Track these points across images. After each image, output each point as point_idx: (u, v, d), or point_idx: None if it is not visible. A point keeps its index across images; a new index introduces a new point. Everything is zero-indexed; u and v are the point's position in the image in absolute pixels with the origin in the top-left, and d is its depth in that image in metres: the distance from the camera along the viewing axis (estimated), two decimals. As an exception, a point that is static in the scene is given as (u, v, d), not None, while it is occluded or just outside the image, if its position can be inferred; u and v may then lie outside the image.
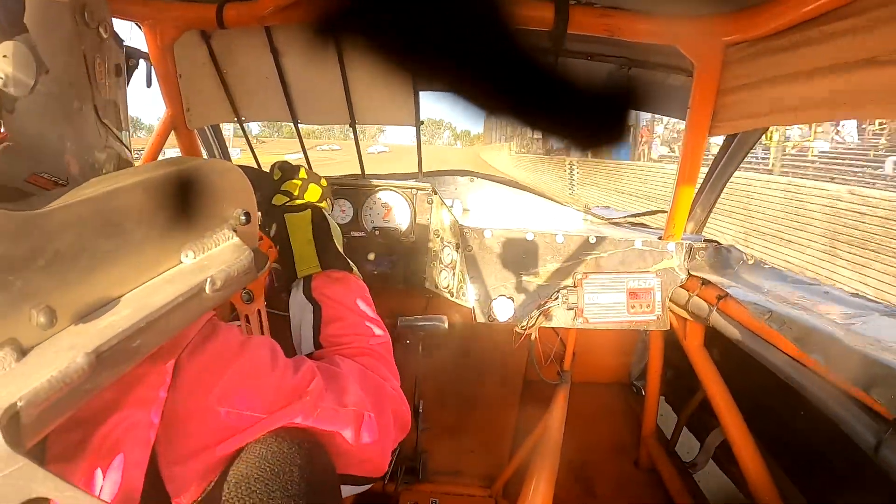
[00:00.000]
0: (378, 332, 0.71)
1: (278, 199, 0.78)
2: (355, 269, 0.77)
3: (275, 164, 0.83)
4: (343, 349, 0.66)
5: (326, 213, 0.80)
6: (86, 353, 0.31)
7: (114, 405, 0.37)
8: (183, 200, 0.41)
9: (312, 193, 0.79)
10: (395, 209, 1.43)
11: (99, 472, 0.36)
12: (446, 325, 1.29)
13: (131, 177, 0.37)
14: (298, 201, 0.78)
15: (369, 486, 0.62)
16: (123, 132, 0.46)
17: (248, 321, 1.12)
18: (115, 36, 0.44)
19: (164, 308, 0.36)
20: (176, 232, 0.40)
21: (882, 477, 0.71)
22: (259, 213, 0.80)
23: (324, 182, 0.82)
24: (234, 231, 0.46)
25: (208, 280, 0.41)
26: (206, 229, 0.43)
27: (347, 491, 0.59)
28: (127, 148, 0.46)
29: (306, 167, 0.83)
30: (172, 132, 1.60)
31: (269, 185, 0.78)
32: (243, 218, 0.47)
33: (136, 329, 0.34)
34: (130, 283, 0.36)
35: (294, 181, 0.79)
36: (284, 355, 0.53)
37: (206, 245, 0.43)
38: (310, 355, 0.67)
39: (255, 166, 1.69)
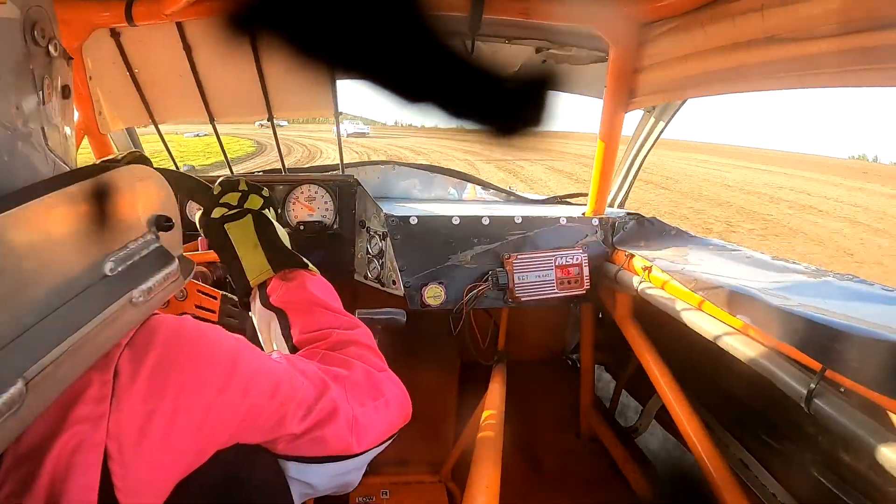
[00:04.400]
0: (355, 322, 0.68)
1: (217, 212, 0.74)
2: (311, 265, 0.73)
3: (218, 180, 0.79)
4: (322, 344, 0.63)
5: (271, 219, 0.77)
6: (15, 382, 0.29)
7: (57, 428, 0.34)
8: (101, 211, 0.38)
9: (252, 202, 0.76)
10: (319, 203, 1.41)
11: (53, 502, 0.33)
12: (405, 319, 1.27)
13: (44, 190, 0.34)
14: (236, 209, 0.75)
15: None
16: (70, 155, 0.43)
17: (197, 308, 1.09)
18: (64, 53, 0.42)
19: (93, 325, 0.35)
20: (97, 244, 0.38)
21: (815, 424, 0.74)
22: (201, 227, 0.75)
23: (266, 192, 0.79)
24: (157, 238, 0.44)
25: (135, 291, 0.39)
26: (127, 239, 0.41)
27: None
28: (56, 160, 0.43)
29: (247, 181, 0.80)
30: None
31: (209, 200, 0.76)
32: (166, 224, 0.45)
33: (64, 350, 0.33)
34: (54, 301, 0.34)
35: (233, 193, 0.76)
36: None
37: (129, 255, 0.41)
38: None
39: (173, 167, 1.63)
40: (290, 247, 0.75)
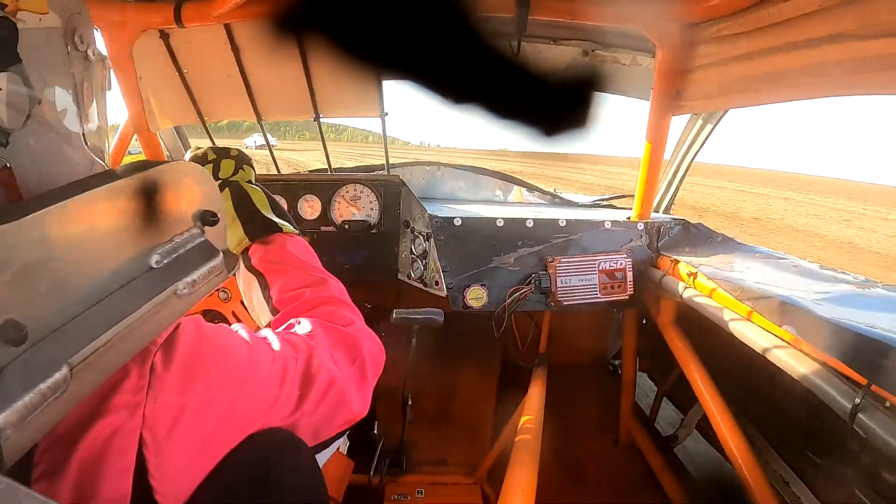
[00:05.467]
0: (327, 278, 0.72)
1: None
2: (288, 226, 0.78)
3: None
4: (297, 306, 0.66)
5: (245, 183, 0.80)
6: (60, 368, 0.30)
7: (92, 415, 0.36)
8: (148, 205, 0.40)
9: (225, 170, 0.79)
10: (364, 202, 1.42)
11: (86, 485, 0.35)
12: (442, 319, 1.28)
13: (94, 185, 0.36)
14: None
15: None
16: (105, 152, 0.46)
17: (234, 317, 1.10)
18: (101, 57, 0.44)
19: (137, 315, 0.36)
20: (143, 237, 0.40)
21: (859, 440, 0.73)
22: None
23: (234, 151, 0.82)
24: (203, 232, 0.46)
25: (179, 283, 0.41)
26: (173, 232, 0.43)
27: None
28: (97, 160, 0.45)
29: (212, 148, 0.82)
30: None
31: None
32: (211, 219, 0.47)
33: (109, 339, 0.34)
34: (101, 292, 0.36)
35: (205, 167, 0.78)
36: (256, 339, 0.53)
37: (174, 248, 0.42)
38: (269, 324, 0.68)
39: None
40: (268, 209, 0.77)
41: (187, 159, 0.81)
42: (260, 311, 0.71)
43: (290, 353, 0.53)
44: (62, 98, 0.39)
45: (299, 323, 0.61)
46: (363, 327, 0.67)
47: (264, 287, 0.70)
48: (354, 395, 0.58)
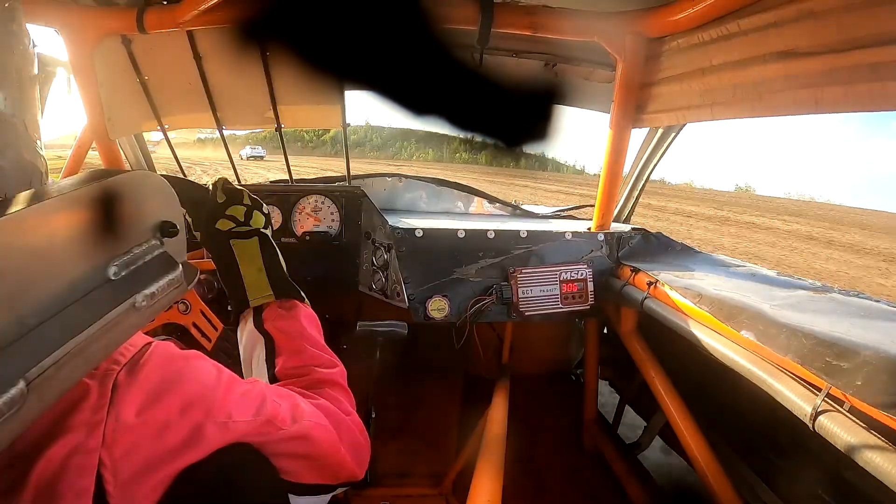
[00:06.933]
0: (336, 362, 0.69)
1: (223, 224, 0.73)
2: (306, 298, 0.74)
3: (216, 183, 0.78)
4: (300, 381, 0.64)
5: (272, 241, 0.77)
6: (16, 383, 0.29)
7: (51, 433, 0.35)
8: (107, 215, 0.39)
9: (257, 220, 0.76)
10: (325, 213, 1.41)
11: None
12: (406, 332, 1.27)
13: (51, 194, 0.35)
14: (245, 227, 0.74)
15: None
16: (42, 144, 0.45)
17: (195, 328, 1.08)
18: (34, 44, 0.43)
19: (94, 328, 0.36)
20: (101, 248, 0.39)
21: (820, 443, 0.74)
22: (198, 233, 0.74)
23: (266, 209, 0.79)
24: (162, 243, 0.45)
25: (138, 296, 0.40)
26: (132, 244, 0.42)
27: None
28: (44, 159, 0.44)
29: (248, 192, 0.80)
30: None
31: (212, 206, 0.75)
32: (170, 230, 0.46)
33: (66, 353, 0.33)
34: (57, 304, 0.35)
35: (239, 206, 0.75)
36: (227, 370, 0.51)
37: (133, 260, 0.41)
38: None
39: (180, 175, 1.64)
40: (286, 272, 0.75)
41: (220, 190, 0.77)
42: (257, 372, 0.67)
43: (273, 395, 0.52)
44: (7, 84, 0.38)
45: (300, 393, 0.59)
46: (357, 420, 0.64)
47: (270, 351, 0.67)
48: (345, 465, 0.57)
